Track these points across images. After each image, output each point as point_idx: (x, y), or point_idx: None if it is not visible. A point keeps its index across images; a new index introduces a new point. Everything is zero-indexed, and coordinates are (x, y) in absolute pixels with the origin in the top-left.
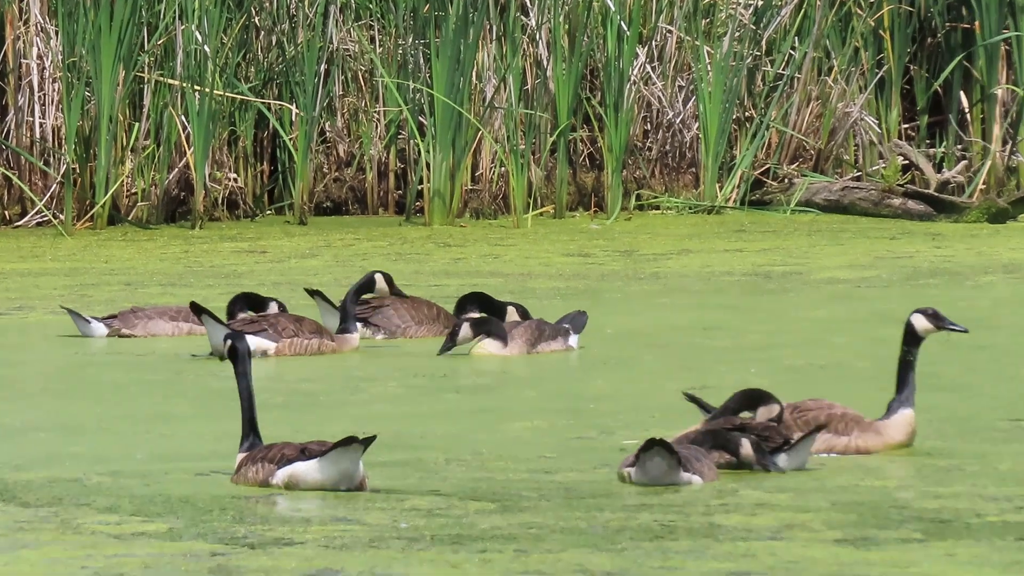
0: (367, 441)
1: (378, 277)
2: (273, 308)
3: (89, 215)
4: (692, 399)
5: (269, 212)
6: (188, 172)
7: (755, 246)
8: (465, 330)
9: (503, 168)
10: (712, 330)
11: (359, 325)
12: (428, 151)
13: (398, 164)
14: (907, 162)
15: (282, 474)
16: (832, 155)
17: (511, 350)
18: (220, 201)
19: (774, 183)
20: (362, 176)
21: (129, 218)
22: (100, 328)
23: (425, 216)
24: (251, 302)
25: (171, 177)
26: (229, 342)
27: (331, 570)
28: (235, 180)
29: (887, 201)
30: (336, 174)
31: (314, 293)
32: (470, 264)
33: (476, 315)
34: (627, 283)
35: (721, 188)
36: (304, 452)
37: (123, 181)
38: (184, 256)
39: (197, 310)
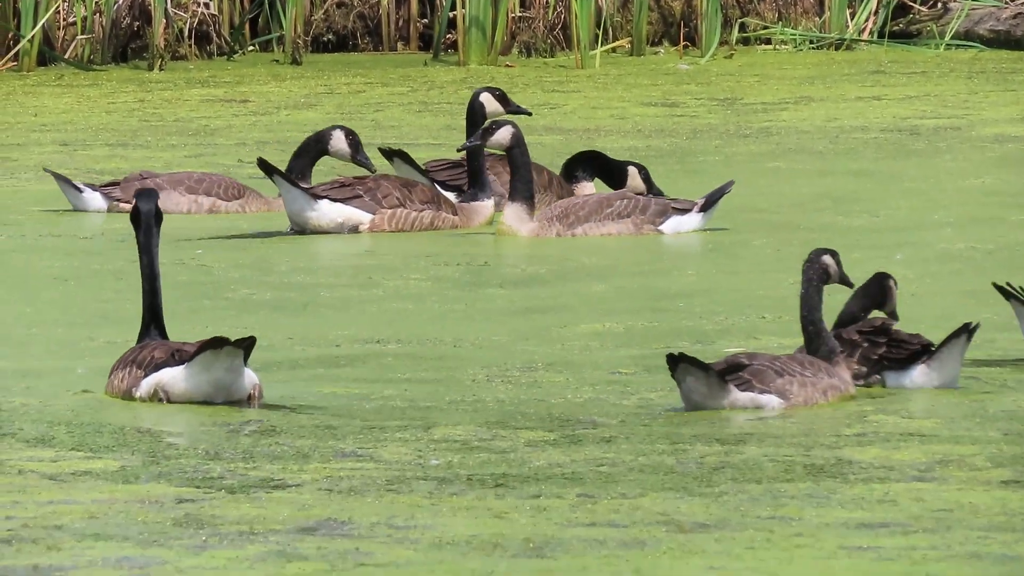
0: (243, 343)
1: (485, 98)
2: (339, 137)
3: (12, 53)
4: (1006, 292)
5: (251, 48)
6: None
7: (898, 92)
8: (503, 134)
9: None
10: (842, 204)
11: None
12: None
13: None
14: None
15: (147, 383)
16: None
17: (536, 228)
18: (186, 34)
19: (923, 8)
20: (375, 0)
21: (66, 56)
22: (96, 199)
23: (459, 53)
24: (307, 148)
25: (121, 2)
26: (134, 202)
27: (335, 521)
28: (206, 6)
29: None
30: None
31: (394, 153)
32: (518, 117)
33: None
34: (727, 142)
35: (853, 15)
36: (175, 355)
37: (57, 7)
38: (139, 107)
39: (267, 169)
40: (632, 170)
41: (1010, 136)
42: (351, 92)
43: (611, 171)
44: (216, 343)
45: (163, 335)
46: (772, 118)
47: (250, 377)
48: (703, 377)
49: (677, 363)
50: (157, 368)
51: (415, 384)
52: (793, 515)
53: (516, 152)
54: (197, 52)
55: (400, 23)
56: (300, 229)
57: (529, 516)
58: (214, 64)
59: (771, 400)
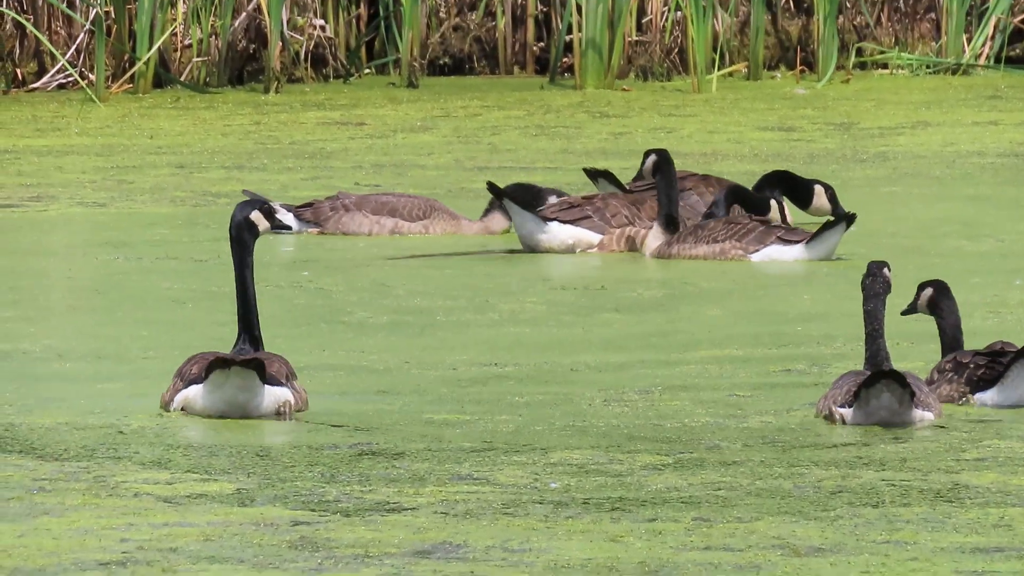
0: (250, 364)
1: (818, 189)
2: (552, 200)
3: (128, 75)
4: None
5: (368, 71)
6: (260, 18)
7: (1015, 118)
8: (648, 163)
9: (679, 13)
10: (959, 228)
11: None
12: None
13: (539, 7)
14: None
15: (178, 397)
16: None
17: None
18: (303, 56)
19: None
20: (492, 23)
21: (182, 79)
22: (289, 219)
23: (576, 77)
24: (523, 195)
25: (237, 24)
26: (241, 213)
27: (450, 544)
28: (322, 28)
29: None
30: (457, 20)
31: (599, 174)
32: (635, 140)
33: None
34: (844, 166)
35: (970, 40)
36: (205, 372)
37: (173, 30)
38: (255, 129)
39: (497, 192)
40: (818, 189)
41: None
42: (467, 115)
43: (798, 190)
44: (221, 363)
45: (256, 346)
46: (888, 143)
47: (274, 394)
48: (899, 393)
49: (881, 378)
50: (189, 383)
51: (531, 407)
52: (908, 539)
53: (657, 178)
54: (313, 75)
55: (516, 47)
56: (531, 250)
57: (644, 540)
58: (330, 87)
59: (927, 414)
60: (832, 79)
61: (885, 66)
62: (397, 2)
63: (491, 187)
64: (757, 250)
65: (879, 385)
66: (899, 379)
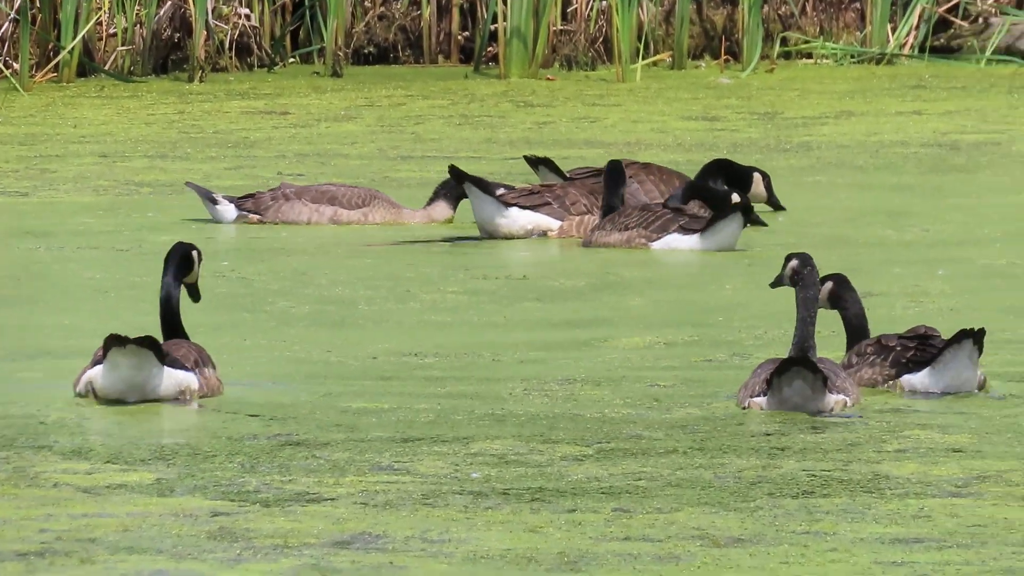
0: (143, 342)
1: (756, 177)
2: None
3: (52, 64)
4: None
5: (292, 60)
6: (184, 7)
7: (938, 107)
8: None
9: (604, 2)
10: (883, 218)
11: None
12: None
13: None
14: None
15: (83, 379)
16: None
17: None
18: (227, 45)
19: (964, 23)
20: (416, 12)
21: (106, 68)
22: (230, 211)
23: (500, 66)
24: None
25: (162, 13)
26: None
27: (369, 535)
28: (247, 17)
29: None
30: (381, 9)
31: (540, 161)
32: (559, 130)
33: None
34: (768, 156)
35: (894, 30)
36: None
37: (98, 19)
38: (178, 118)
39: (458, 176)
40: (756, 176)
41: None
42: (391, 105)
43: (737, 178)
44: (116, 341)
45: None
46: (812, 132)
47: (175, 377)
48: (811, 380)
49: (792, 364)
50: (94, 364)
51: (451, 398)
52: (828, 530)
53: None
54: (237, 64)
55: (441, 36)
56: (489, 235)
57: (564, 531)
58: (254, 76)
59: (839, 396)
60: (756, 69)
61: (809, 56)
62: None
63: (453, 170)
64: (659, 238)
65: (791, 372)
66: (810, 365)
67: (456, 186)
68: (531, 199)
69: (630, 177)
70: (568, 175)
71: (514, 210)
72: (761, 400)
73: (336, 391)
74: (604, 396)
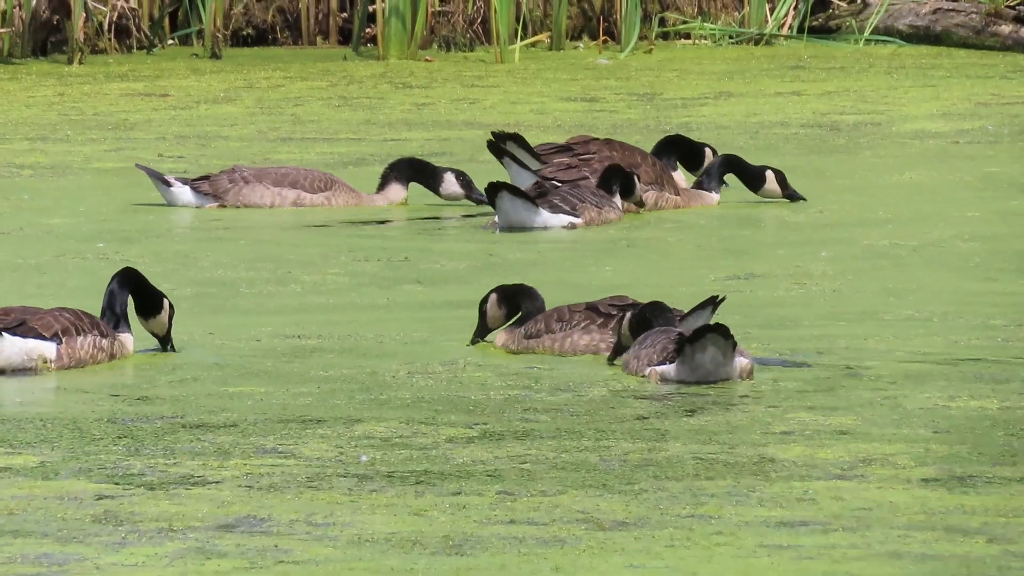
0: None
1: (707, 151)
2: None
3: None
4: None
5: (171, 42)
6: None
7: (818, 88)
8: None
9: None
10: (761, 200)
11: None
12: None
13: None
14: None
15: None
16: None
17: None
18: (106, 27)
19: (843, 3)
20: None
21: None
22: (186, 193)
23: (378, 47)
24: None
25: None
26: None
27: (254, 518)
28: (125, 0)
29: (993, 28)
30: None
31: (509, 137)
32: (438, 111)
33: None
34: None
35: (772, 10)
36: None
37: None
38: (58, 101)
39: (497, 149)
40: (708, 152)
41: (930, 132)
42: (270, 86)
43: (691, 154)
44: None
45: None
46: (692, 113)
47: (18, 346)
48: (723, 346)
49: (708, 331)
50: None
51: (335, 380)
52: (713, 513)
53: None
54: (116, 46)
55: (320, 17)
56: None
57: (449, 514)
58: (133, 58)
59: (743, 359)
60: (635, 49)
61: (688, 36)
62: None
63: (496, 140)
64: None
65: (705, 339)
66: (723, 331)
67: (406, 167)
68: (569, 174)
69: (592, 154)
70: (537, 151)
71: (552, 183)
72: (667, 368)
73: (219, 374)
74: (488, 378)
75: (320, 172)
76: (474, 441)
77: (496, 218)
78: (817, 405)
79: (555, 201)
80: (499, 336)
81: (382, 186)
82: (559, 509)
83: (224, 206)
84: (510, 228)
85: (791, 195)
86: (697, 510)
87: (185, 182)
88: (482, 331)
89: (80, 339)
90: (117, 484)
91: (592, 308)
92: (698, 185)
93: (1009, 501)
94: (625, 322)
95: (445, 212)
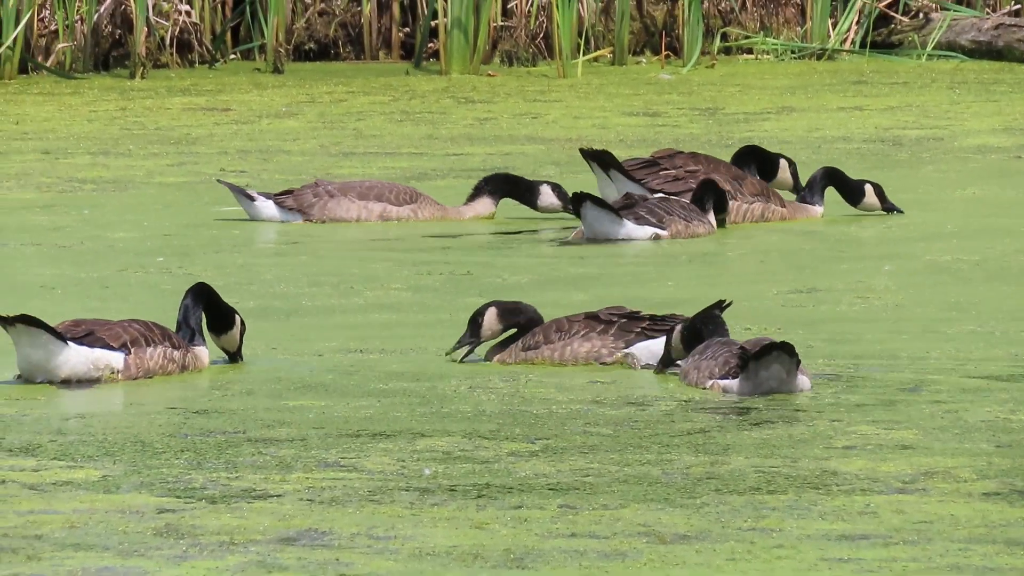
0: (33, 320)
1: (783, 163)
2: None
3: None
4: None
5: (233, 57)
6: (125, 3)
7: (880, 103)
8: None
9: None
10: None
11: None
12: None
13: None
14: None
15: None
16: None
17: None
18: (168, 42)
19: (905, 19)
20: (357, 8)
21: (47, 64)
22: (269, 207)
23: (441, 62)
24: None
25: (102, 9)
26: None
27: (315, 531)
28: (187, 14)
29: None
30: (322, 5)
31: (596, 155)
32: (500, 126)
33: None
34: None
35: (835, 25)
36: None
37: (36, 13)
38: (120, 115)
39: (601, 160)
40: (783, 163)
41: (992, 147)
42: (333, 101)
43: (766, 164)
44: (26, 319)
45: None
46: (754, 128)
47: (84, 355)
48: (788, 364)
49: (773, 349)
50: None
51: (397, 394)
52: (774, 527)
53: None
54: (179, 60)
55: (382, 31)
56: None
57: (510, 527)
58: (195, 72)
59: (805, 380)
60: (697, 64)
61: (750, 51)
62: None
63: (590, 154)
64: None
65: (770, 356)
66: (789, 349)
67: (501, 182)
68: (675, 185)
69: (679, 167)
70: (624, 172)
71: (658, 196)
72: (731, 383)
73: (282, 388)
74: (550, 392)
75: (404, 185)
76: (536, 455)
77: (582, 228)
78: (879, 419)
79: (641, 213)
80: (493, 351)
81: (472, 198)
82: (620, 523)
83: (310, 220)
84: (595, 239)
85: (889, 208)
86: (758, 523)
87: (268, 196)
88: (472, 343)
89: (149, 350)
90: (179, 498)
91: (592, 316)
92: (801, 199)
93: None
94: (676, 334)
95: (543, 225)
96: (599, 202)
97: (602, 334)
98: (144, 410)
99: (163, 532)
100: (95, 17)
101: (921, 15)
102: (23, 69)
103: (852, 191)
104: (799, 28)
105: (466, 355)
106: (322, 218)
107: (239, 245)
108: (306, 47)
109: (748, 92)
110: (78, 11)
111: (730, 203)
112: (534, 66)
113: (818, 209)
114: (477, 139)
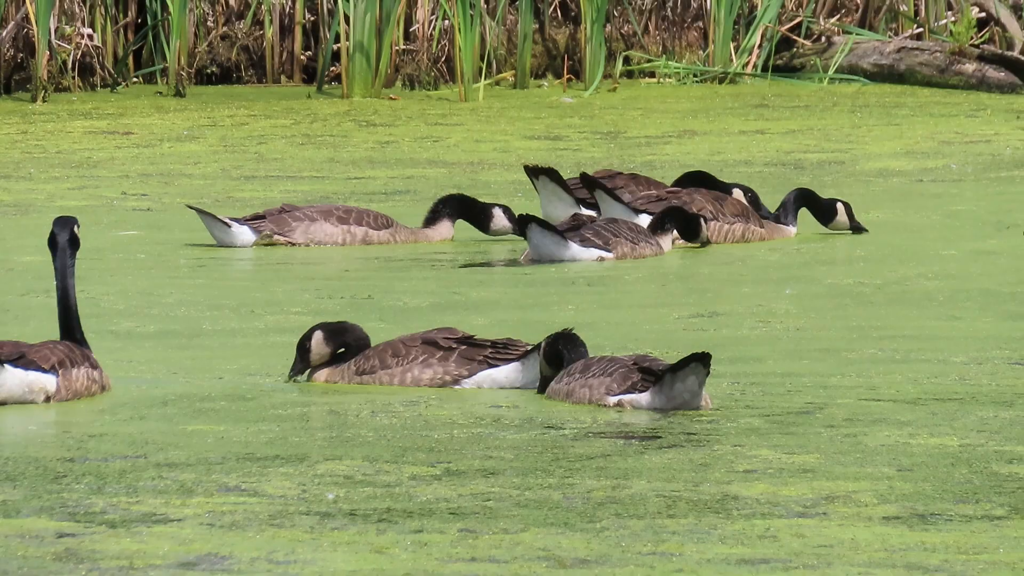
0: None
1: (840, 207)
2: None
3: None
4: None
5: (135, 80)
6: (27, 26)
7: (782, 126)
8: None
9: (447, 21)
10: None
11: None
12: None
13: (307, 16)
14: (984, 15)
15: None
16: (885, 5)
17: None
18: (70, 65)
19: (807, 42)
20: (259, 32)
21: None
22: (245, 233)
23: (343, 86)
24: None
25: (4, 33)
26: (65, 226)
27: (215, 556)
28: (90, 37)
29: (957, 67)
30: (224, 29)
31: (541, 171)
32: (402, 149)
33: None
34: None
35: (737, 49)
36: None
37: None
38: (21, 139)
39: (590, 183)
40: (737, 192)
41: (893, 170)
42: (234, 124)
43: (715, 185)
44: None
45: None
46: (656, 152)
47: (19, 378)
48: (702, 375)
49: (692, 361)
50: None
51: (298, 418)
52: (674, 551)
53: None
54: (81, 84)
55: (284, 56)
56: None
57: (410, 551)
58: (97, 96)
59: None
60: (599, 88)
61: (652, 75)
62: (165, 11)
63: (585, 179)
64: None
65: (689, 368)
66: (705, 360)
67: (457, 204)
68: (658, 205)
69: (620, 188)
70: (571, 188)
71: (642, 217)
72: (638, 397)
73: (183, 412)
74: (452, 416)
75: (374, 210)
76: (438, 479)
77: (528, 250)
78: (780, 443)
79: (587, 235)
80: (322, 373)
81: (433, 221)
82: (520, 547)
83: (293, 244)
84: (540, 260)
85: (856, 227)
86: (659, 547)
87: (241, 222)
88: (302, 368)
89: (75, 371)
90: (79, 522)
91: (430, 342)
92: (776, 219)
93: (969, 538)
94: (541, 353)
95: (493, 248)
96: (544, 224)
97: (443, 360)
98: (43, 433)
99: (63, 557)
100: None
101: (823, 39)
102: None
103: (824, 211)
104: (701, 52)
105: (292, 378)
106: (305, 242)
107: (141, 269)
108: (208, 71)
109: (650, 116)
110: None
111: (710, 223)
112: (436, 89)
113: (792, 229)
114: (378, 162)
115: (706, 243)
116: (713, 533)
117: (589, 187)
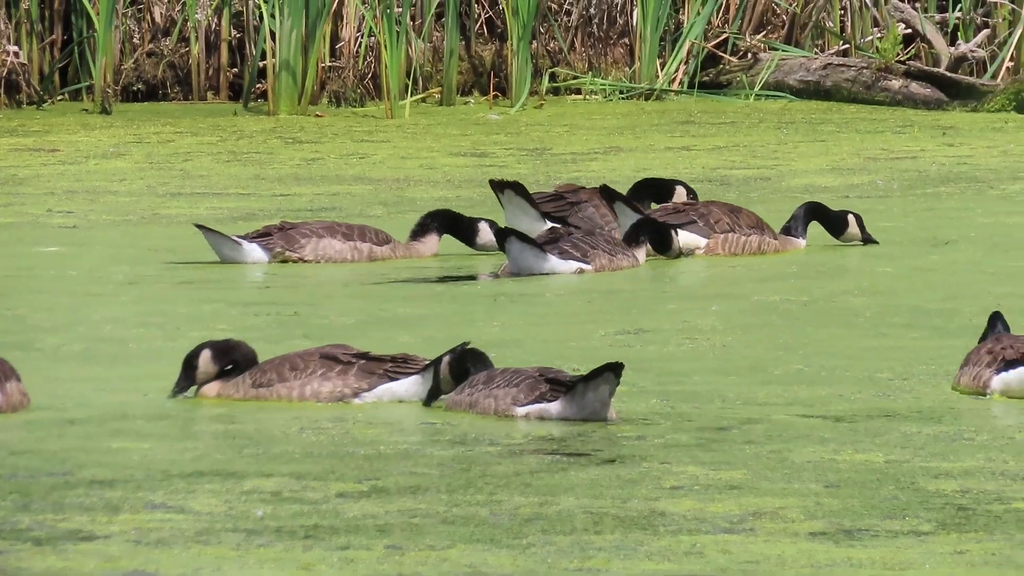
0: None
1: (679, 189)
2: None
3: None
4: None
5: (61, 97)
6: None
7: (708, 143)
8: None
9: (372, 38)
10: (651, 256)
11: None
12: (273, 15)
13: (233, 33)
14: (910, 31)
15: None
16: (811, 22)
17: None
18: None
19: (733, 59)
20: (185, 49)
21: None
22: (256, 251)
23: (269, 103)
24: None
25: None
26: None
27: (142, 572)
28: (15, 55)
29: (883, 83)
30: (151, 46)
31: (507, 185)
32: (327, 166)
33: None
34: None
35: (663, 66)
36: None
37: None
38: None
39: (609, 195)
40: (679, 189)
41: (819, 187)
42: (160, 141)
43: (666, 191)
44: None
45: None
46: (581, 168)
47: None
48: (613, 385)
49: (605, 371)
50: None
51: (225, 436)
52: (600, 567)
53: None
54: (6, 101)
55: (210, 73)
56: (678, 253)
57: (336, 568)
58: (23, 113)
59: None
60: (525, 104)
61: (579, 91)
62: (91, 28)
63: (605, 191)
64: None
65: (602, 377)
66: (617, 370)
67: (444, 219)
68: (677, 217)
69: (584, 202)
70: (536, 202)
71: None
72: (548, 407)
73: (110, 430)
74: (379, 433)
75: (369, 226)
76: (364, 496)
77: (507, 264)
78: (707, 459)
79: (565, 247)
80: (212, 387)
81: (421, 235)
82: (447, 563)
83: (304, 260)
84: (519, 273)
85: (867, 239)
86: (585, 564)
87: (249, 239)
88: (186, 386)
89: (8, 385)
90: (5, 539)
91: (329, 356)
92: (786, 231)
93: (896, 554)
94: (444, 366)
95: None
96: (523, 237)
97: (342, 374)
98: None
99: None
100: None
101: (750, 55)
102: None
103: (835, 223)
104: (628, 68)
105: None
106: (315, 259)
107: (67, 286)
108: (134, 88)
109: (576, 132)
110: None
111: (721, 235)
112: (362, 106)
113: (801, 242)
114: (304, 179)
115: (678, 255)
116: (640, 549)
117: (608, 199)
